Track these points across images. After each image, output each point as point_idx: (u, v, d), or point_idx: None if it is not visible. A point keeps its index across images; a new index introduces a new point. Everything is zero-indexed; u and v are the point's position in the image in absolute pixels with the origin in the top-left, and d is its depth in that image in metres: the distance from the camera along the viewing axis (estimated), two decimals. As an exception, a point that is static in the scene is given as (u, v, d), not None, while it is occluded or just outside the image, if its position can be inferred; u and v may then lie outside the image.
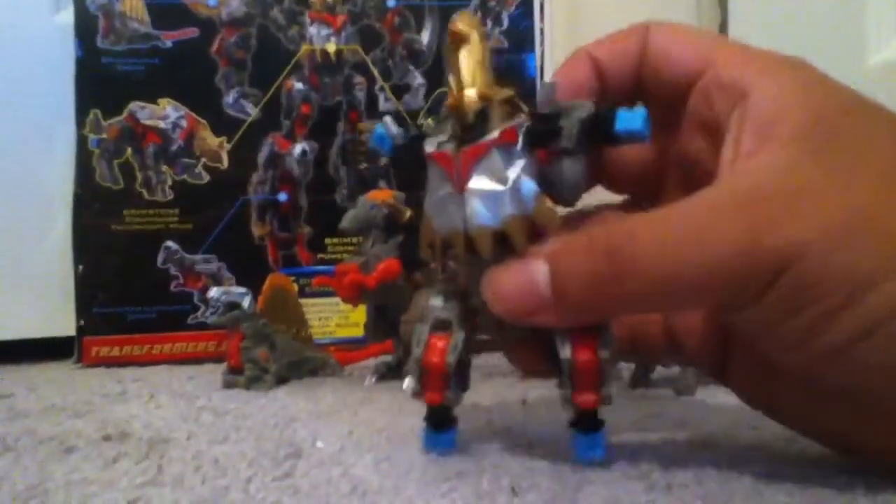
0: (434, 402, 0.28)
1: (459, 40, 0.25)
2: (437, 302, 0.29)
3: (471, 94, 0.25)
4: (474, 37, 0.25)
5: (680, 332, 0.30)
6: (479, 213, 0.25)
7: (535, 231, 0.26)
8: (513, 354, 0.31)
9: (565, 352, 0.26)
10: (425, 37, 0.69)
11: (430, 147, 0.26)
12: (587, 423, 0.27)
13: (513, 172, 0.25)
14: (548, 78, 0.32)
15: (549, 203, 0.26)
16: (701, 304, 0.24)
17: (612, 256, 0.23)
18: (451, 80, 0.25)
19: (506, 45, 0.70)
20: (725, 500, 0.24)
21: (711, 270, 0.22)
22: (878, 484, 0.24)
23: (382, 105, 0.69)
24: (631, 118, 0.25)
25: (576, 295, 0.24)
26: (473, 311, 0.28)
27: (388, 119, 0.28)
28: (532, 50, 0.71)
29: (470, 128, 0.25)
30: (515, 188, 0.25)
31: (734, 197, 0.23)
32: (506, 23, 0.70)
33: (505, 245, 0.25)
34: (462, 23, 0.25)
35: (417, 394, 0.28)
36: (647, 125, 0.25)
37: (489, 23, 0.70)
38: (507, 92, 0.26)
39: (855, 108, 0.24)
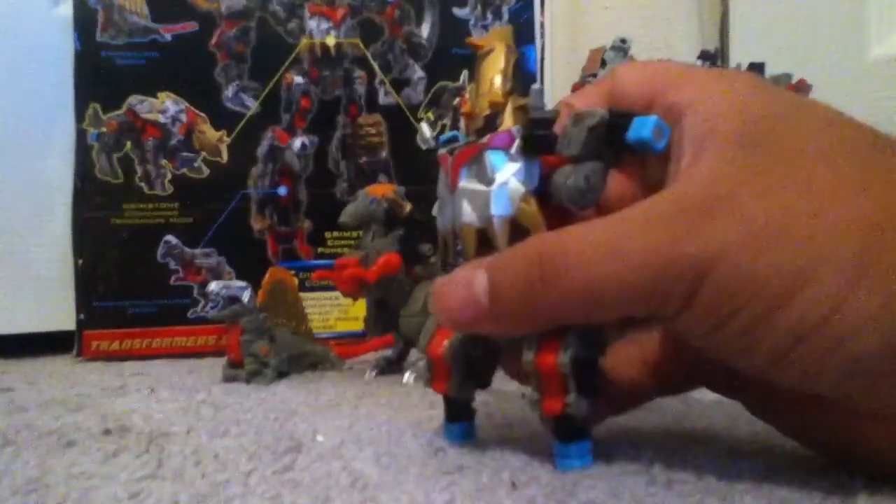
0: (440, 391, 0.29)
1: (484, 52, 0.27)
2: None
3: (483, 101, 0.26)
4: (499, 48, 0.27)
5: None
6: (465, 212, 0.26)
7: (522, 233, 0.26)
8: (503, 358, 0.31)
9: (528, 355, 0.26)
10: (425, 30, 0.69)
11: (441, 150, 0.27)
12: (564, 430, 0.26)
13: (501, 175, 0.25)
14: (547, 76, 0.32)
15: (534, 206, 0.26)
16: (628, 313, 0.24)
17: (544, 264, 0.24)
18: (470, 87, 0.27)
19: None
20: (725, 495, 0.24)
21: (629, 280, 0.23)
22: (879, 479, 0.24)
23: (382, 99, 0.69)
24: (641, 125, 0.24)
25: (509, 301, 0.25)
26: None
27: (424, 123, 0.29)
28: (532, 43, 0.71)
29: (479, 132, 0.26)
30: (500, 190, 0.25)
31: (657, 209, 0.23)
32: (506, 16, 0.70)
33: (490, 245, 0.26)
34: (492, 35, 0.27)
35: (429, 381, 0.30)
36: (656, 133, 0.24)
37: (489, 16, 0.70)
38: (522, 100, 0.27)
39: (789, 114, 0.24)
